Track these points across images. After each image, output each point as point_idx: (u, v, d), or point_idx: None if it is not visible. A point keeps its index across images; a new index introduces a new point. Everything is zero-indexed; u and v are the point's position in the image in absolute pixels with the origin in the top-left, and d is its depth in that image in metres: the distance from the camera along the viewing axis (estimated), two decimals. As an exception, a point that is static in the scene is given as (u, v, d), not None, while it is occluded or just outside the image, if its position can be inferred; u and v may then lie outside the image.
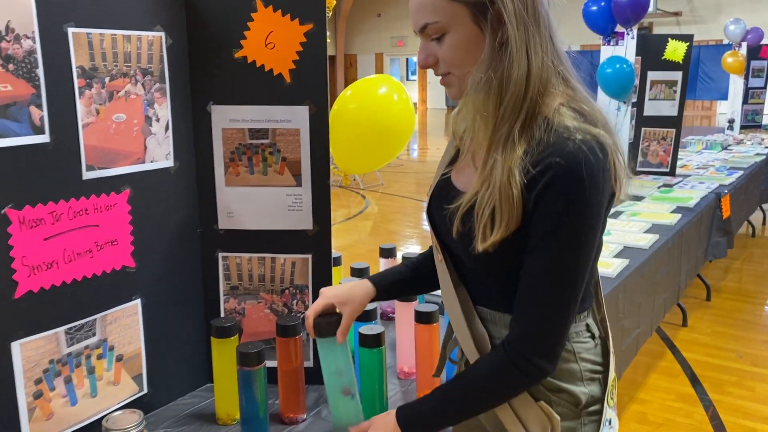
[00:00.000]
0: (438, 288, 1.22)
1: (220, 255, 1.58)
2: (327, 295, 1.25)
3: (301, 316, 1.55)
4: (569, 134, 0.93)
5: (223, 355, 1.43)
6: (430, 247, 1.24)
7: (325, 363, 1.24)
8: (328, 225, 1.55)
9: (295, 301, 1.59)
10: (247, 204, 1.54)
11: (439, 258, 1.14)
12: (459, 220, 1.00)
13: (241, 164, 1.53)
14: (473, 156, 1.06)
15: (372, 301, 1.26)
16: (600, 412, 1.07)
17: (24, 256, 1.21)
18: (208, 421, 1.47)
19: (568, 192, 0.91)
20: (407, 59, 23.11)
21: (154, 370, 1.49)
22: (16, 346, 1.22)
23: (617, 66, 3.51)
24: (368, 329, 1.37)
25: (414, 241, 6.15)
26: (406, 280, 1.31)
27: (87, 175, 1.30)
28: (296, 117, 1.48)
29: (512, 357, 0.99)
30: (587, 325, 1.09)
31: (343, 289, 1.25)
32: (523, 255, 0.98)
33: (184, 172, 1.50)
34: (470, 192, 0.99)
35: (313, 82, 1.46)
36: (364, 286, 1.26)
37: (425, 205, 1.17)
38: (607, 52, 3.66)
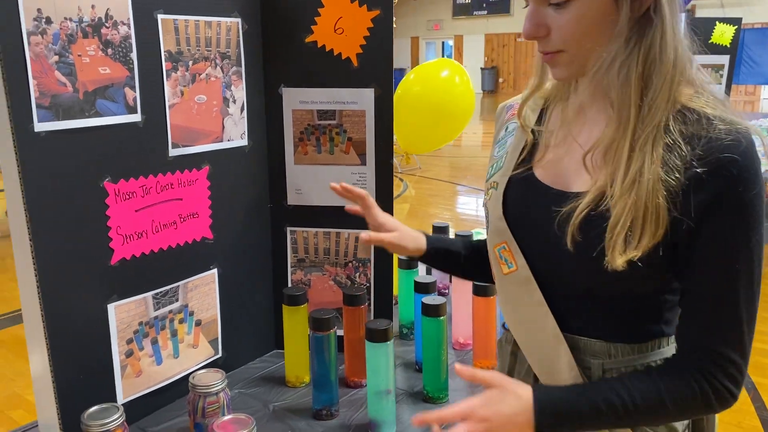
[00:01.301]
0: (482, 281, 1.19)
1: (289, 229, 1.67)
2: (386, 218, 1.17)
3: (365, 287, 1.64)
4: (730, 127, 0.79)
5: (294, 321, 1.53)
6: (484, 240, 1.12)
7: (371, 364, 1.33)
8: (390, 201, 1.62)
9: (357, 274, 1.68)
10: (314, 181, 1.63)
11: (510, 268, 0.97)
12: (576, 228, 0.84)
13: (310, 144, 1.61)
14: (566, 150, 0.93)
15: (415, 256, 1.16)
16: None
17: (119, 226, 1.32)
18: (278, 383, 1.57)
19: (747, 191, 0.78)
20: (443, 43, 22.94)
21: (228, 336, 1.60)
22: (111, 308, 1.33)
23: None
24: (431, 299, 1.45)
25: (450, 224, 6.20)
26: (457, 256, 1.18)
27: (172, 152, 1.40)
28: (362, 99, 1.56)
29: (712, 383, 0.83)
30: None
31: (399, 224, 1.17)
32: (685, 268, 0.83)
33: (257, 151, 1.59)
34: (591, 195, 0.84)
35: (379, 66, 1.54)
36: (418, 235, 1.17)
37: (500, 208, 1.00)
38: None
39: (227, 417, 1.19)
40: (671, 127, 0.81)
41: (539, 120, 1.00)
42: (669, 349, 0.93)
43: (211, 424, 1.19)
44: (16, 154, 0.91)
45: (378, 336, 1.31)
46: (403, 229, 1.15)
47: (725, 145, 0.78)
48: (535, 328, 0.96)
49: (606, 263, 0.81)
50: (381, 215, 1.16)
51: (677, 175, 0.79)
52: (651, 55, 0.80)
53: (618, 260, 0.80)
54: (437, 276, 1.84)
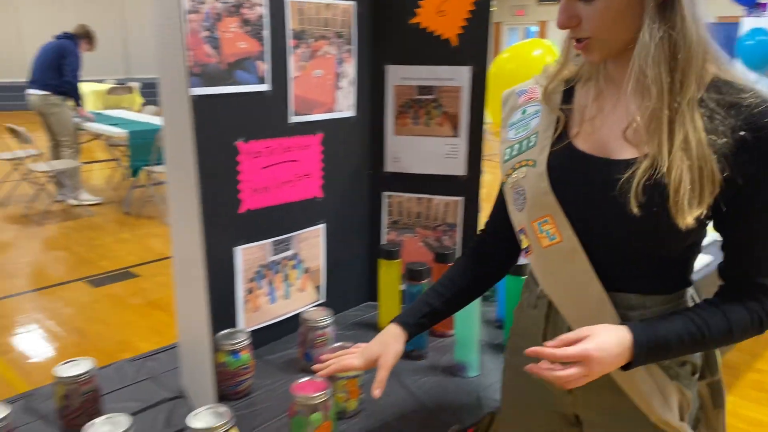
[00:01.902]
0: (469, 300, 1.27)
1: (385, 194, 1.86)
2: (364, 354, 1.20)
3: (453, 249, 1.81)
4: (764, 96, 0.90)
5: (388, 274, 1.71)
6: (450, 269, 1.26)
7: (461, 312, 1.43)
8: (478, 172, 1.78)
9: (445, 237, 1.84)
10: (410, 151, 1.80)
11: (552, 240, 1.04)
12: (639, 192, 0.92)
13: (408, 116, 1.78)
14: (603, 122, 1.02)
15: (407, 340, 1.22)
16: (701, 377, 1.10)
17: (247, 181, 1.54)
18: (372, 329, 1.76)
19: None
20: (526, 29, 22.53)
21: (330, 284, 1.80)
22: (238, 251, 1.56)
23: (760, 38, 3.45)
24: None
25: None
26: (440, 306, 1.25)
27: (293, 119, 1.60)
28: (459, 76, 1.71)
29: (766, 310, 0.97)
30: None
31: (374, 347, 1.21)
32: (734, 217, 0.95)
33: (361, 122, 1.78)
34: (646, 162, 0.93)
35: (477, 46, 1.68)
36: (397, 335, 1.21)
37: (545, 182, 1.05)
38: (749, 23, 3.59)
39: (336, 344, 1.39)
40: (705, 99, 0.92)
41: (564, 100, 1.08)
42: (690, 295, 1.06)
43: (319, 353, 1.40)
44: (191, 116, 1.11)
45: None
46: (385, 352, 1.19)
47: (763, 112, 0.90)
48: (579, 293, 1.03)
49: (674, 223, 0.91)
50: (364, 361, 1.20)
51: (725, 139, 0.90)
52: (676, 36, 0.91)
53: (688, 218, 0.90)
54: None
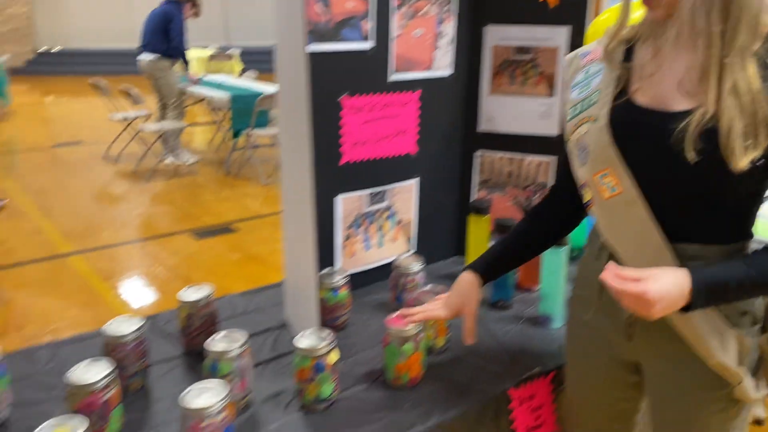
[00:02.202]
0: (539, 251, 1.39)
1: (478, 152, 1.92)
2: (447, 307, 1.34)
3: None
4: None
5: (478, 229, 1.78)
6: (521, 221, 1.38)
7: (548, 264, 1.55)
8: (572, 133, 1.80)
9: (536, 197, 1.89)
10: (504, 110, 1.85)
11: (614, 192, 1.09)
12: (695, 140, 0.97)
13: (505, 76, 1.83)
14: (661, 77, 1.06)
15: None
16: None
17: (348, 134, 1.65)
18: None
19: None
20: (628, -3, 21.30)
21: (420, 237, 1.90)
22: (338, 200, 1.68)
23: None
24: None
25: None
26: (508, 257, 1.38)
27: (392, 77, 1.69)
28: (557, 36, 1.74)
29: None
30: None
31: (455, 299, 1.34)
32: None
33: (457, 81, 1.84)
34: (700, 111, 0.98)
35: (576, 6, 1.70)
36: (469, 281, 1.34)
37: (606, 135, 1.09)
38: None
39: (426, 287, 1.49)
40: (761, 50, 0.97)
41: (625, 59, 1.13)
42: (752, 247, 1.07)
43: (409, 297, 1.50)
44: (307, 71, 1.22)
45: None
46: (468, 303, 1.33)
47: None
48: (639, 242, 1.08)
49: (728, 167, 0.95)
50: (449, 312, 1.33)
51: None
52: None
53: (741, 162, 0.94)
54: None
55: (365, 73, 1.64)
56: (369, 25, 1.60)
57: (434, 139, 1.84)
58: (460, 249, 2.01)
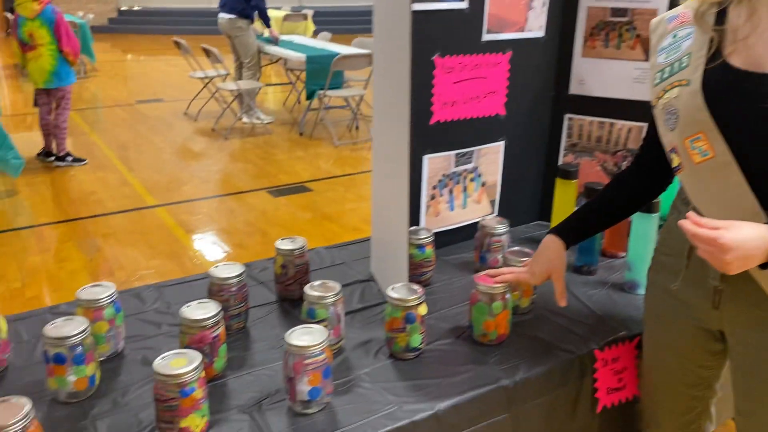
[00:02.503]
0: (622, 217, 1.38)
1: (567, 116, 1.90)
2: (536, 273, 1.37)
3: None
4: None
5: (564, 193, 1.78)
6: (607, 186, 1.38)
7: (637, 230, 1.54)
8: (667, 98, 1.75)
9: (624, 163, 1.86)
10: (597, 74, 1.82)
11: (705, 156, 1.07)
12: None
13: (599, 39, 1.79)
14: (757, 39, 1.04)
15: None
16: None
17: (439, 94, 1.66)
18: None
19: None
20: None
21: (503, 199, 1.91)
22: (425, 160, 1.70)
23: None
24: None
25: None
26: (593, 221, 1.41)
27: (485, 37, 1.69)
28: (657, -2, 1.69)
29: None
30: None
31: (543, 264, 1.37)
32: None
33: (550, 43, 1.82)
34: None
35: (680, -34, 1.64)
36: (555, 245, 1.37)
37: (699, 99, 1.07)
38: None
39: (515, 248, 1.50)
40: None
41: (717, 21, 1.09)
42: None
43: (493, 258, 1.52)
44: (410, 29, 1.24)
45: (646, 208, 1.51)
46: (555, 268, 1.36)
47: None
48: (732, 207, 1.06)
49: None
50: (537, 278, 1.37)
51: None
52: None
53: None
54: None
55: (459, 33, 1.64)
56: (465, -16, 1.60)
57: (523, 102, 1.84)
58: (542, 214, 2.01)
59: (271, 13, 7.97)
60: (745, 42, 1.05)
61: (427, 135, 1.68)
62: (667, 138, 1.17)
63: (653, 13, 1.70)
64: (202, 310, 1.20)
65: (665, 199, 1.47)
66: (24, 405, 0.95)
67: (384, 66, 1.44)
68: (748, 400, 1.17)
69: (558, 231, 1.40)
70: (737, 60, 1.06)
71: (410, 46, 1.23)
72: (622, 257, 1.77)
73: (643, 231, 1.53)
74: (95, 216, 4.24)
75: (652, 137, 1.27)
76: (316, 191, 4.76)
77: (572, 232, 1.40)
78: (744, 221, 0.98)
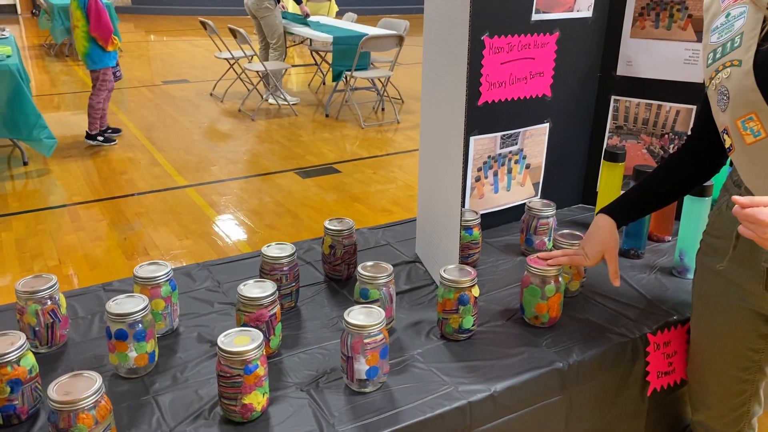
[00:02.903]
0: (673, 199, 1.37)
1: (613, 98, 1.87)
2: (590, 254, 1.37)
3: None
4: None
5: (611, 176, 1.76)
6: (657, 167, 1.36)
7: (688, 213, 1.53)
8: (718, 80, 1.72)
9: (672, 146, 1.83)
10: (646, 55, 1.78)
11: (758, 136, 1.07)
12: None
13: (648, 19, 1.76)
14: None
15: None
16: None
17: (488, 74, 1.64)
18: (587, 227, 1.83)
19: None
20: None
21: (546, 182, 1.89)
22: (472, 141, 1.69)
23: None
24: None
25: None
26: (643, 202, 1.40)
27: (534, 17, 1.66)
28: (712, -23, 1.64)
29: None
30: None
31: (596, 245, 1.37)
32: None
33: (598, 23, 1.79)
34: None
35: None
36: (607, 226, 1.37)
37: (750, 79, 1.06)
38: None
39: (564, 231, 1.49)
40: None
41: None
42: None
43: (540, 240, 1.51)
44: (470, 8, 1.22)
45: (699, 191, 1.49)
46: (607, 247, 1.36)
47: None
48: None
49: None
50: (592, 260, 1.37)
51: None
52: None
53: None
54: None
55: (508, 12, 1.62)
56: (515, -38, 1.58)
57: (569, 83, 1.81)
58: (585, 197, 2.00)
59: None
60: None
61: (475, 116, 1.67)
62: (719, 119, 1.15)
63: (707, -8, 1.66)
64: (258, 289, 1.21)
65: (717, 182, 1.45)
66: (96, 379, 0.97)
67: (436, 46, 1.43)
68: None
69: (609, 210, 1.40)
70: None
71: (469, 25, 1.21)
72: (669, 241, 1.75)
73: (695, 214, 1.51)
74: (127, 195, 4.29)
75: (704, 119, 1.26)
76: (344, 173, 4.76)
77: (623, 211, 1.40)
78: None
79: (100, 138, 5.25)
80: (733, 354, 1.29)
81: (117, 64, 5.40)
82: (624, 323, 1.37)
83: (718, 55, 1.14)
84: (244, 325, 1.19)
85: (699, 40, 1.71)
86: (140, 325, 1.15)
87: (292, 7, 6.82)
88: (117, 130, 5.51)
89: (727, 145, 1.16)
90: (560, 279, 1.34)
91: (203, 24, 6.56)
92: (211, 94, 7.01)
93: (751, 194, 1.12)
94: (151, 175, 4.66)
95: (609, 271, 1.34)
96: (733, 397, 1.34)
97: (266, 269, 1.37)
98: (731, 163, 1.21)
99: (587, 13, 1.76)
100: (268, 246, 1.40)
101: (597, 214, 1.41)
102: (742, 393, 1.33)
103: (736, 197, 0.96)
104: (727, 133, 1.14)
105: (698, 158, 1.34)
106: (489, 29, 1.60)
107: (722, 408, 1.35)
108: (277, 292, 1.24)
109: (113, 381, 1.17)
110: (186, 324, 1.36)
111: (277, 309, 1.22)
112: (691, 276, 1.56)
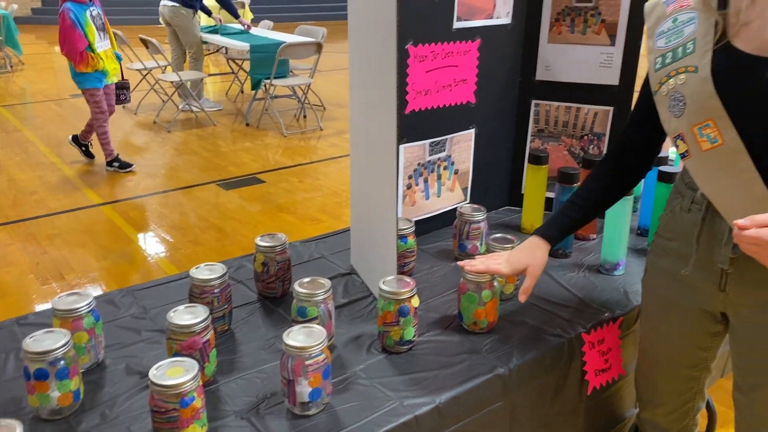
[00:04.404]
0: (605, 207, 1.38)
1: (533, 102, 1.92)
2: (513, 263, 1.34)
3: (598, 159, 1.85)
4: None
5: (535, 178, 1.80)
6: (586, 179, 1.37)
7: (612, 213, 1.56)
8: (632, 82, 1.79)
9: (591, 147, 1.89)
10: (563, 59, 1.84)
11: (714, 143, 1.07)
12: None
13: (564, 24, 1.81)
14: (763, 23, 1.03)
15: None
16: None
17: (413, 83, 1.64)
18: (515, 229, 1.88)
19: None
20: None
21: (474, 186, 1.91)
22: (402, 149, 1.69)
23: None
24: (667, 168, 1.65)
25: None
26: (577, 218, 1.38)
27: (456, 24, 1.68)
28: (621, -16, 1.71)
29: None
30: None
31: (524, 258, 1.34)
32: None
33: (517, 29, 1.83)
34: None
35: (643, -48, 1.67)
36: (539, 244, 1.35)
37: (709, 86, 1.07)
38: None
39: (497, 235, 1.51)
40: None
41: (720, 6, 1.09)
42: None
43: (472, 245, 1.53)
44: (397, 15, 1.21)
45: None
46: (533, 263, 1.33)
47: None
48: (741, 193, 1.06)
49: None
50: (511, 269, 1.33)
51: None
52: None
53: None
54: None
55: (430, 21, 1.62)
56: (435, -29, 1.58)
57: (492, 89, 1.84)
58: (511, 199, 2.04)
59: (207, 1, 7.78)
60: (750, 27, 1.05)
61: (404, 125, 1.66)
62: (672, 125, 1.15)
63: (618, -2, 1.73)
64: (189, 315, 1.16)
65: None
66: (14, 427, 0.89)
67: (363, 56, 1.41)
68: (751, 375, 1.20)
69: (545, 234, 1.37)
70: (744, 45, 1.05)
71: (396, 35, 1.21)
72: (594, 239, 1.81)
73: (619, 213, 1.56)
74: (38, 217, 4.04)
75: (637, 123, 1.28)
76: (269, 182, 4.67)
77: (556, 229, 1.38)
78: None
79: (116, 164, 4.87)
80: (684, 353, 1.33)
81: (123, 87, 4.97)
82: (559, 323, 1.40)
83: (668, 60, 1.14)
84: (176, 354, 1.13)
85: (613, 44, 1.78)
86: (62, 362, 1.07)
87: (205, 20, 6.64)
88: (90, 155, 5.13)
89: (681, 151, 1.15)
90: (495, 283, 1.35)
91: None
92: (123, 107, 6.72)
93: (706, 200, 1.14)
94: (63, 194, 4.41)
95: (523, 285, 1.32)
96: (682, 394, 1.38)
97: (196, 292, 1.31)
98: (683, 166, 1.21)
99: (506, 20, 1.79)
100: (197, 268, 1.34)
101: (533, 234, 1.39)
102: (690, 390, 1.37)
103: (736, 221, 0.96)
104: (681, 139, 1.13)
105: (631, 164, 1.33)
106: (413, 38, 1.60)
107: (670, 405, 1.40)
108: (210, 316, 1.19)
109: (34, 425, 1.08)
110: (112, 356, 1.28)
111: (210, 335, 1.16)
112: (618, 273, 1.61)
